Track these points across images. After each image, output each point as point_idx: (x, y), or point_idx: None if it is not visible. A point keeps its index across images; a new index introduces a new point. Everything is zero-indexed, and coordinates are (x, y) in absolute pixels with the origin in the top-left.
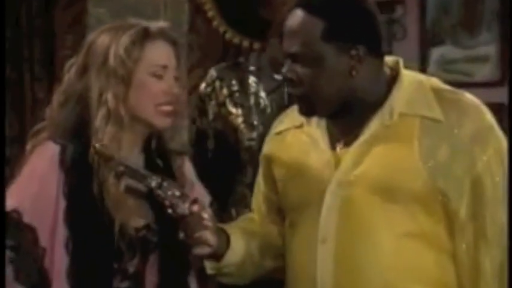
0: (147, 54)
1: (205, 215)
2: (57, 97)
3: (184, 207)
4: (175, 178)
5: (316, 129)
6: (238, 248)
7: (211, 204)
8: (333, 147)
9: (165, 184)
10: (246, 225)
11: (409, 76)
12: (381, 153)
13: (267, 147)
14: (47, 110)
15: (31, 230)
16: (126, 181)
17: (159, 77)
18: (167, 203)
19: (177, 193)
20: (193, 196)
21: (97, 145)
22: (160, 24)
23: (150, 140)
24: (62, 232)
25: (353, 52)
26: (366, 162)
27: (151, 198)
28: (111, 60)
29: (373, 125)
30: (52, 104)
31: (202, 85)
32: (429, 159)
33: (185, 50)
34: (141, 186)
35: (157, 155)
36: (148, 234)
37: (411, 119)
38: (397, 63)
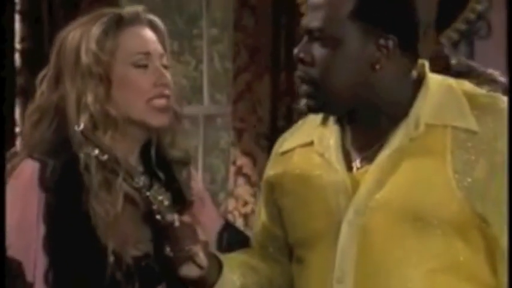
0: (123, 42)
1: (199, 229)
2: (30, 115)
3: (173, 216)
4: (181, 193)
5: (329, 147)
6: (231, 281)
7: (223, 229)
8: (350, 168)
9: (155, 187)
10: (244, 258)
11: (436, 80)
12: (407, 172)
13: (270, 170)
14: (22, 130)
15: (17, 264)
16: (123, 185)
17: (144, 66)
18: (155, 207)
19: (166, 202)
20: (204, 219)
21: (78, 128)
22: (135, 8)
23: (147, 148)
24: (42, 262)
25: (381, 41)
26: (389, 183)
27: (151, 220)
28: (83, 58)
29: (397, 138)
30: (25, 123)
31: None
32: (465, 178)
33: (231, 50)
34: (137, 196)
35: (158, 165)
36: (149, 262)
37: (441, 130)
38: (422, 65)
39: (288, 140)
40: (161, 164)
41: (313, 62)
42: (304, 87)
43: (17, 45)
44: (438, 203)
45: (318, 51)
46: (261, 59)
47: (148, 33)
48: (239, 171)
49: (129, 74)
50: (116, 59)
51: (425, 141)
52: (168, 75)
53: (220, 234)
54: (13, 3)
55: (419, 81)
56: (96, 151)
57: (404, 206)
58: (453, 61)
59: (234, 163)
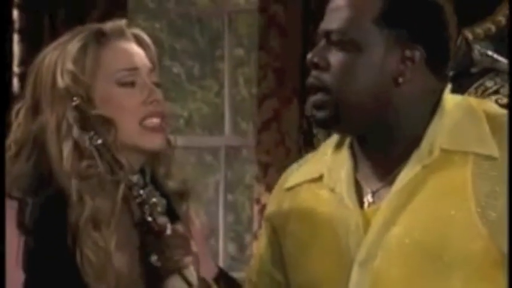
0: (105, 59)
1: (192, 242)
2: (6, 150)
3: (165, 220)
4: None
5: (339, 180)
6: None
7: (218, 278)
8: (361, 203)
9: (149, 187)
10: None
11: (454, 100)
12: (422, 207)
13: (273, 207)
14: None
15: None
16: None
17: (130, 84)
18: (147, 208)
19: (159, 208)
20: (202, 262)
21: (74, 103)
22: (117, 22)
23: (142, 177)
24: None
25: (407, 53)
26: (403, 220)
27: (148, 262)
28: (59, 80)
29: (410, 167)
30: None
31: None
32: (489, 212)
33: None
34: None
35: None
36: None
37: (460, 158)
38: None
39: (295, 175)
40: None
41: (328, 67)
42: (314, 97)
43: (16, 69)
44: (459, 242)
45: (335, 56)
46: (289, 83)
47: (134, 48)
48: (264, 211)
49: (114, 94)
50: (97, 78)
51: (442, 169)
52: (159, 92)
53: (215, 282)
54: (11, 21)
55: (437, 101)
56: (92, 133)
57: (421, 246)
58: (476, 55)
59: (258, 201)
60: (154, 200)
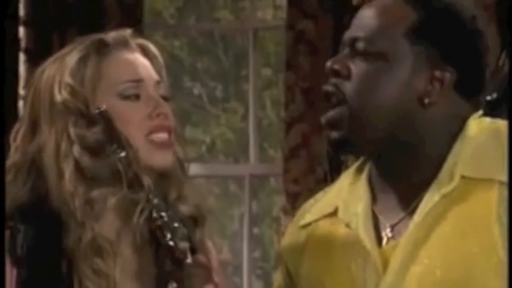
0: (106, 71)
1: (213, 272)
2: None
3: (187, 246)
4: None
5: (356, 215)
6: None
7: None
8: (379, 238)
9: (170, 212)
10: None
11: (482, 124)
12: (444, 242)
13: (287, 247)
14: None
15: None
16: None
17: (134, 97)
18: (168, 232)
19: (181, 232)
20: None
21: (99, 109)
22: (121, 32)
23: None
24: None
25: (437, 73)
26: (424, 257)
27: None
28: (57, 94)
29: (429, 197)
30: None
31: None
32: None
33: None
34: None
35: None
36: None
37: (485, 186)
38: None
39: (311, 211)
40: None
41: (349, 76)
42: (330, 113)
43: (21, 91)
44: (484, 281)
45: (358, 65)
46: (319, 105)
47: (139, 59)
48: None
49: (116, 107)
50: (98, 91)
51: (463, 199)
52: (166, 105)
53: None
54: (17, 39)
55: (461, 125)
56: (115, 146)
57: (443, 286)
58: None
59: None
60: (175, 224)
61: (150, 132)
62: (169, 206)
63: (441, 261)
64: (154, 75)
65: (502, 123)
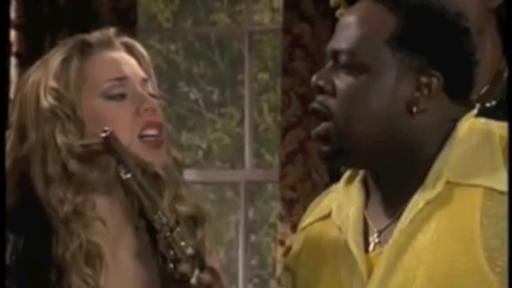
0: (90, 71)
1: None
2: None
3: (189, 269)
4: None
5: (347, 218)
6: None
7: None
8: (367, 244)
9: (178, 229)
10: None
11: (474, 126)
12: (426, 250)
13: (291, 252)
14: None
15: None
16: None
17: (120, 96)
18: (172, 254)
19: (189, 251)
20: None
21: (104, 134)
22: (105, 31)
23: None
24: None
25: (423, 79)
26: (406, 266)
27: None
28: (43, 100)
29: (414, 203)
30: None
31: None
32: (500, 257)
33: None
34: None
35: None
36: None
37: (470, 192)
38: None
39: (311, 214)
40: None
41: (334, 92)
42: (318, 128)
43: (12, 96)
44: None
45: (342, 79)
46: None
47: (124, 57)
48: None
49: (102, 108)
50: (82, 93)
51: (448, 205)
52: (154, 101)
53: None
54: (8, 43)
55: (452, 127)
56: (121, 167)
57: None
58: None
59: (282, 242)
60: (182, 243)
61: (141, 131)
62: (178, 221)
63: (424, 270)
64: (141, 73)
65: (496, 125)
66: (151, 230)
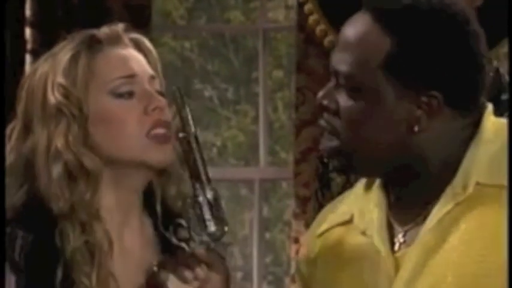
0: (98, 68)
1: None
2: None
3: (186, 234)
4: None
5: (371, 221)
6: None
7: None
8: (393, 244)
9: (211, 198)
10: None
11: (494, 127)
12: (456, 249)
13: (304, 257)
14: None
15: None
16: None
17: (128, 95)
18: (192, 219)
19: (212, 229)
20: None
21: (181, 134)
22: (113, 27)
23: (150, 204)
24: None
25: (423, 98)
26: (433, 266)
27: None
28: (50, 96)
29: (442, 204)
30: None
31: None
32: None
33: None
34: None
35: (166, 224)
36: None
37: (497, 192)
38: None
39: (327, 219)
40: (170, 222)
41: (338, 112)
42: (327, 143)
43: None
44: (493, 285)
45: (344, 100)
46: None
47: (132, 54)
48: None
49: (109, 106)
50: (89, 91)
51: (477, 206)
52: (162, 99)
53: None
54: (23, 41)
55: (475, 130)
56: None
57: None
58: (505, 80)
59: (296, 240)
60: (207, 216)
61: (149, 130)
62: (166, 203)
63: (452, 270)
64: (149, 70)
65: None
66: (155, 218)
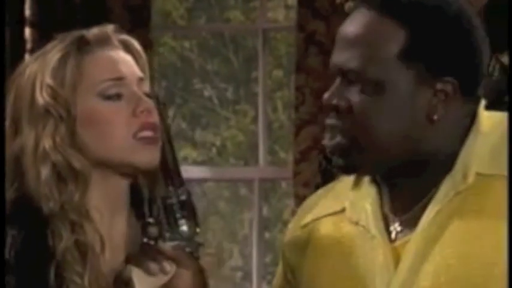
0: (87, 70)
1: None
2: None
3: (155, 232)
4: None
5: (364, 211)
6: None
7: None
8: (389, 234)
9: (184, 200)
10: None
11: (492, 119)
12: (459, 239)
13: (289, 247)
14: None
15: None
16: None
17: (116, 97)
18: (163, 219)
19: (184, 228)
20: None
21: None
22: (103, 28)
23: (138, 205)
24: None
25: (439, 86)
26: (436, 255)
27: None
28: (38, 96)
29: (442, 194)
30: None
31: None
32: None
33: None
34: None
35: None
36: None
37: (500, 182)
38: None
39: (312, 211)
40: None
41: (350, 110)
42: (333, 141)
43: None
44: (499, 279)
45: (356, 96)
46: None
47: (121, 56)
48: None
49: (97, 108)
50: (78, 92)
51: (478, 195)
52: (150, 102)
53: None
54: (23, 40)
55: (471, 122)
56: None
57: (458, 284)
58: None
59: None
60: (178, 215)
61: (137, 132)
62: (155, 202)
63: (455, 259)
64: (138, 72)
65: None
66: (143, 220)
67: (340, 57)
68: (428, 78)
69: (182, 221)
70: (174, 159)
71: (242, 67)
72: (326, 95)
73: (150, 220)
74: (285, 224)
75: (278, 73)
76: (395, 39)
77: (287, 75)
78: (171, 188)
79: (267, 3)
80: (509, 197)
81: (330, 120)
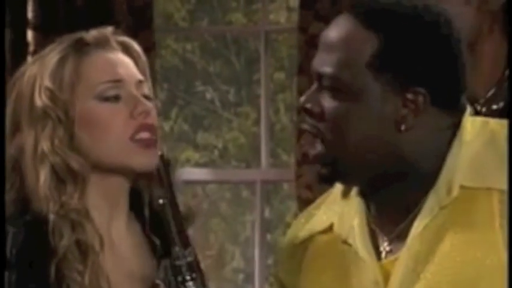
0: (85, 72)
1: None
2: None
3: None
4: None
5: (352, 229)
6: None
7: None
8: (378, 253)
9: (190, 261)
10: None
11: (474, 127)
12: (447, 254)
13: (284, 266)
14: None
15: None
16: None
17: (114, 99)
18: (173, 280)
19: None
20: None
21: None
22: (102, 30)
23: (138, 207)
24: None
25: (409, 96)
26: (427, 272)
27: None
28: (37, 98)
29: (427, 209)
30: None
31: None
32: None
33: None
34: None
35: (155, 227)
36: None
37: (485, 195)
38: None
39: (304, 228)
40: (158, 225)
41: (323, 115)
42: (313, 150)
43: None
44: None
45: (328, 102)
46: None
47: (120, 58)
48: None
49: (95, 110)
50: (76, 94)
51: (464, 209)
52: (148, 104)
53: None
54: (25, 43)
55: (453, 134)
56: (160, 192)
57: None
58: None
59: None
60: (187, 277)
61: (134, 133)
62: (154, 206)
63: (446, 276)
64: (137, 74)
65: (495, 123)
66: (143, 222)
67: (318, 61)
68: (398, 87)
69: (190, 283)
70: (179, 220)
71: (244, 69)
72: (302, 99)
73: (158, 281)
74: (287, 226)
75: (280, 75)
76: (368, 47)
77: (289, 78)
78: (178, 249)
79: (269, 5)
80: (510, 197)
81: (305, 125)
